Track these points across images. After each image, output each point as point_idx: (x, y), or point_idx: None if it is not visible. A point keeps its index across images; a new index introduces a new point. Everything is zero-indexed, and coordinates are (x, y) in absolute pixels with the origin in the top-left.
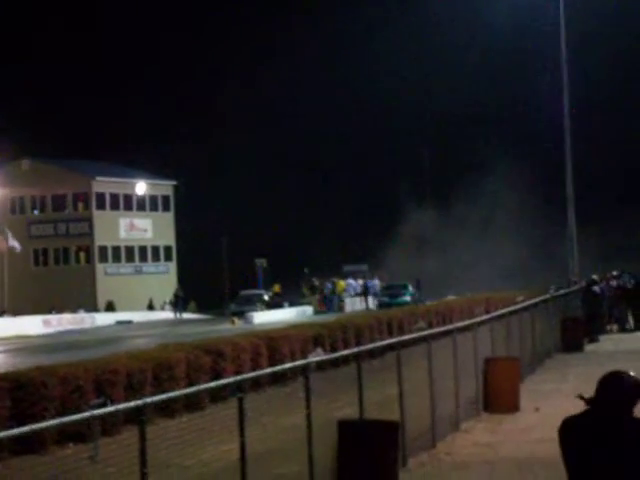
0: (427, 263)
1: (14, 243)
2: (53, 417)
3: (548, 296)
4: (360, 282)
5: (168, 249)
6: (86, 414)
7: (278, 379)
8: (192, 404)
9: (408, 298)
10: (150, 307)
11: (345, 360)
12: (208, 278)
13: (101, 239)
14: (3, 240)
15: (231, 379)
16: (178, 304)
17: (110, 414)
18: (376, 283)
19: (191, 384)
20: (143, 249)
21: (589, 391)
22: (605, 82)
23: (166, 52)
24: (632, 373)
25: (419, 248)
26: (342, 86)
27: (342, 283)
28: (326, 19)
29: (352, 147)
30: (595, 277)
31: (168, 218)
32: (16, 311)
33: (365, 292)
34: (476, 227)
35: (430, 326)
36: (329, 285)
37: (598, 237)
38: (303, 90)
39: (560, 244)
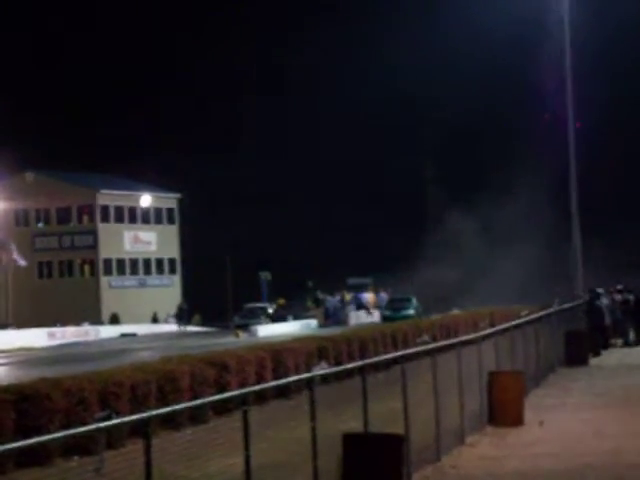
0: (431, 277)
1: (18, 258)
2: (58, 430)
3: (552, 310)
4: (369, 295)
5: (172, 262)
6: (92, 426)
7: (283, 392)
8: (197, 417)
9: (412, 312)
10: (154, 320)
11: (350, 373)
12: (212, 291)
13: (105, 252)
14: (8, 253)
15: (236, 392)
16: (182, 317)
17: (115, 427)
18: (384, 296)
19: (195, 397)
20: (147, 262)
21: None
22: (611, 95)
23: (167, 61)
24: None
25: (422, 262)
26: (344, 90)
27: (347, 296)
28: (328, 20)
29: (353, 158)
30: (599, 290)
31: (172, 231)
32: (20, 323)
33: (361, 306)
34: (479, 242)
35: (434, 340)
36: (330, 298)
37: (603, 251)
38: (305, 95)
39: (565, 258)
